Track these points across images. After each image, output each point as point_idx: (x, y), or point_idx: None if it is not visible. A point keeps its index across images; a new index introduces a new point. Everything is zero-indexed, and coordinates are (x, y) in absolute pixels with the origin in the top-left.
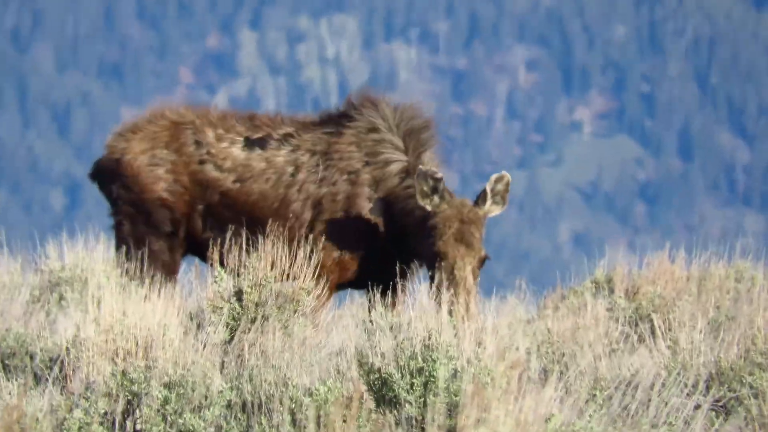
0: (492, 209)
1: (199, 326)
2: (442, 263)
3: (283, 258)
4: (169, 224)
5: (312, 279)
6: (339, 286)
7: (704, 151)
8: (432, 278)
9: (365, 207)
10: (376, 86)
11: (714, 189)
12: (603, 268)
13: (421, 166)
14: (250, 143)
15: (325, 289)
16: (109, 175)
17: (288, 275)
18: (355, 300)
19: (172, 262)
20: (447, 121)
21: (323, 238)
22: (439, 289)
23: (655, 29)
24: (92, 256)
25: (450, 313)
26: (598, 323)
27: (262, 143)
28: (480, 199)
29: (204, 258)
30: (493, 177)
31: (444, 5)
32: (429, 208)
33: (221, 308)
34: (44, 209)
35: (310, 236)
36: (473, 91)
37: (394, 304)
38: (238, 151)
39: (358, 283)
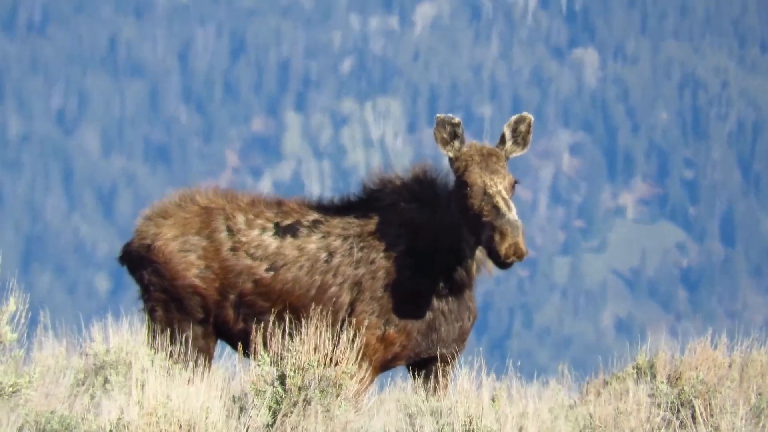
0: (513, 149)
1: (241, 409)
2: (473, 189)
3: (326, 342)
4: (201, 311)
5: (355, 363)
6: (384, 365)
7: (747, 237)
8: (479, 240)
9: (406, 269)
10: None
11: (757, 275)
12: (645, 353)
13: (438, 114)
14: (280, 230)
15: (368, 372)
16: (140, 260)
17: (331, 359)
18: (398, 384)
19: (207, 348)
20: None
21: (365, 318)
22: (479, 222)
23: (699, 115)
24: (137, 339)
25: (495, 237)
26: (640, 409)
27: (293, 230)
28: (500, 140)
29: (234, 346)
30: (513, 118)
31: (488, 89)
32: (451, 154)
33: (264, 392)
34: (89, 291)
35: (352, 319)
36: (517, 175)
37: (435, 389)
38: (269, 239)
39: (404, 356)
